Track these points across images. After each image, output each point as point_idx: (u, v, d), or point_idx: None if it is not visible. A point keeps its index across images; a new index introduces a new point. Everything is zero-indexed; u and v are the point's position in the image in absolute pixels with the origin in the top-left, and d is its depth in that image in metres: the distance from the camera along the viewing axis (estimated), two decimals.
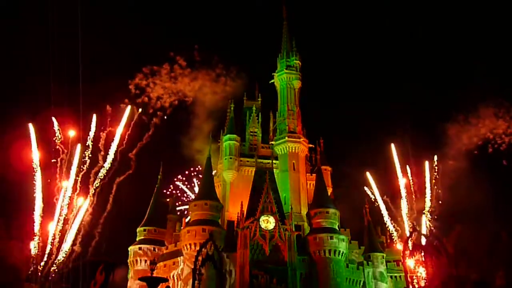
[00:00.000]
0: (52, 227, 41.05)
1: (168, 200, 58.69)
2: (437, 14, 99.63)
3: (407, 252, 38.58)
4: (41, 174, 42.25)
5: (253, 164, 53.06)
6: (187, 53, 56.86)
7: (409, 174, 53.79)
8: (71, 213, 42.53)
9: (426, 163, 53.60)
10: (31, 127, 43.32)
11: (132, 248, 49.05)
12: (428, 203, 51.68)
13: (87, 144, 45.52)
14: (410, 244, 39.87)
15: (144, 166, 52.91)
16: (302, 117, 58.47)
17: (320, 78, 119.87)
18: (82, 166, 44.52)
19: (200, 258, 39.58)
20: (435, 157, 53.65)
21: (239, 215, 44.59)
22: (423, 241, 42.84)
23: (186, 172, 73.97)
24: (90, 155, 45.31)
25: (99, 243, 43.74)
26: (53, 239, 40.72)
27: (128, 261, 48.86)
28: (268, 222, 44.09)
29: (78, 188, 43.56)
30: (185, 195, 73.12)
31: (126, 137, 47.55)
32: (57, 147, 44.20)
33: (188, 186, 74.56)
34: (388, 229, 54.12)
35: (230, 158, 55.17)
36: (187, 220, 50.64)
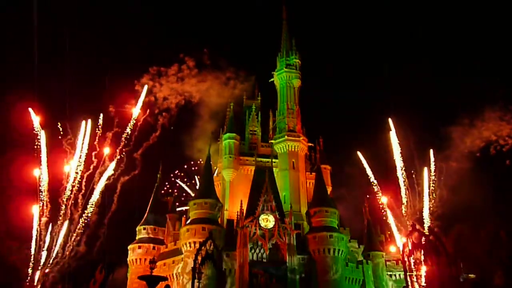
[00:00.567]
0: (52, 227, 41.13)
1: (168, 198, 58.66)
2: (437, 14, 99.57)
3: (407, 251, 38.60)
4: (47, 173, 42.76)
5: (252, 163, 53.18)
6: (195, 55, 57.38)
7: (413, 174, 53.84)
8: (77, 213, 42.91)
9: (426, 169, 53.64)
10: (43, 134, 44.86)
11: (131, 247, 49.03)
12: (427, 203, 51.64)
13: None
14: (409, 243, 39.81)
15: (144, 165, 53.11)
16: (301, 115, 58.55)
17: (319, 77, 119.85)
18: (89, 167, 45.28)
19: (199, 256, 39.68)
20: (431, 154, 53.58)
21: (238, 213, 44.54)
22: (423, 240, 42.78)
23: (187, 171, 74.15)
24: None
25: (99, 243, 43.88)
26: (55, 240, 40.83)
27: (128, 260, 48.86)
28: (267, 221, 44.07)
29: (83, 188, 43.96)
30: (184, 194, 73.30)
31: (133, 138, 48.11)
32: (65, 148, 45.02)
33: (188, 184, 74.73)
34: (388, 227, 54.13)
35: (230, 156, 55.15)
36: (187, 220, 50.62)
